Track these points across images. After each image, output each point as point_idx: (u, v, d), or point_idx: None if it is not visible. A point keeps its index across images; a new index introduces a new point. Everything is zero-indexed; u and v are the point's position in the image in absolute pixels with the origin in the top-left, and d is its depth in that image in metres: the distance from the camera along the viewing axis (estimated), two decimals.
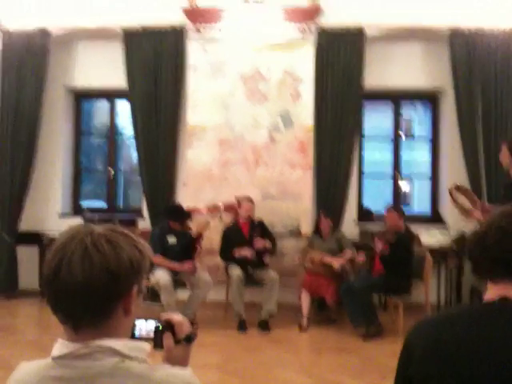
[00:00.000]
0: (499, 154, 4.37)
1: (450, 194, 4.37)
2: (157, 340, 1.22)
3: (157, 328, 1.22)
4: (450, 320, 1.20)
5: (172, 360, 1.18)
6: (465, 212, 4.31)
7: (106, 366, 1.00)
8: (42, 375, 1.03)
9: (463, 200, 4.37)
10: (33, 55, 6.23)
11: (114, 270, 1.01)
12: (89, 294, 1.00)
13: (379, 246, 4.93)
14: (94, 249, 1.01)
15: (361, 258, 5.22)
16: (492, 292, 1.22)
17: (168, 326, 1.22)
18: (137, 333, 1.21)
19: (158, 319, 1.23)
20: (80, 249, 1.01)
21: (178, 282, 5.14)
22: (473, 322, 1.16)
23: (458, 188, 4.34)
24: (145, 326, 1.22)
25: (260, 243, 5.33)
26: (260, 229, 5.45)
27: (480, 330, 1.14)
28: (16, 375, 1.07)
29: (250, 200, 5.48)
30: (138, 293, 1.08)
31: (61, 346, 1.04)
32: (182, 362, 1.20)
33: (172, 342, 1.21)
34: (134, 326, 1.20)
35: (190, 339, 1.23)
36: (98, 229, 1.06)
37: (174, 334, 1.22)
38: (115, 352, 1.02)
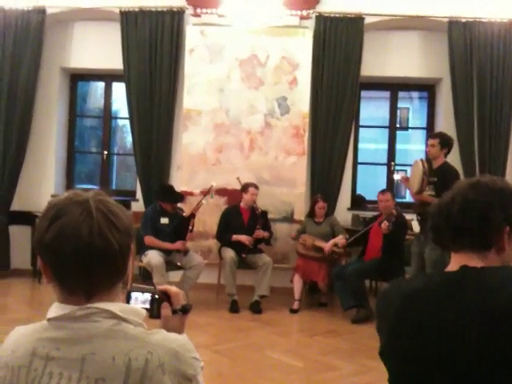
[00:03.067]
0: (429, 146, 4.56)
1: (422, 163, 4.40)
2: (153, 310, 1.23)
3: (153, 298, 1.23)
4: (417, 294, 1.22)
5: (168, 329, 1.18)
6: (417, 184, 4.35)
7: (101, 328, 1.01)
8: (37, 337, 1.03)
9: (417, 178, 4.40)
10: (28, 34, 6.17)
11: (131, 232, 1.07)
12: (122, 258, 1.05)
13: (386, 224, 4.88)
14: (112, 215, 1.04)
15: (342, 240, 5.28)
16: (454, 262, 1.25)
17: (165, 297, 1.25)
18: (132, 303, 1.23)
19: (154, 291, 1.25)
20: (102, 217, 1.02)
21: (169, 263, 5.16)
22: (438, 295, 1.18)
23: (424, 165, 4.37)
24: (141, 297, 1.24)
25: (261, 234, 5.39)
26: (263, 220, 5.48)
27: (445, 302, 1.16)
28: (11, 338, 1.07)
29: (256, 186, 5.49)
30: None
31: (57, 309, 1.05)
32: (178, 331, 1.20)
33: (170, 311, 1.22)
34: (130, 296, 1.22)
35: (186, 310, 1.25)
36: (94, 195, 1.07)
37: (170, 304, 1.24)
38: (112, 314, 1.03)
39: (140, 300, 1.24)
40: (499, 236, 1.21)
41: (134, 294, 1.23)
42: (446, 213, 1.25)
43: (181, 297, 1.26)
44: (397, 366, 1.20)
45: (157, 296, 1.24)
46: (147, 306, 1.23)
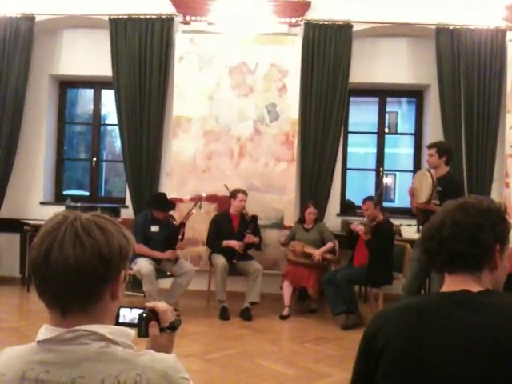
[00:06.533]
0: (428, 156, 4.61)
1: (430, 173, 4.42)
2: (141, 328, 1.22)
3: (141, 316, 1.23)
4: (413, 312, 1.22)
5: (157, 348, 1.18)
6: (427, 194, 4.36)
7: (90, 351, 1.01)
8: (27, 359, 1.03)
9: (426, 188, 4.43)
10: (17, 41, 6.14)
11: (105, 254, 1.03)
12: (80, 277, 1.01)
13: (358, 227, 4.97)
14: (84, 233, 1.02)
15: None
16: (450, 284, 1.25)
17: (153, 314, 1.24)
18: (121, 320, 1.22)
19: (142, 308, 1.25)
20: (71, 233, 1.02)
21: (159, 271, 5.15)
22: (436, 314, 1.18)
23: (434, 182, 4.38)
24: (129, 314, 1.23)
25: (251, 239, 5.40)
26: (253, 225, 5.50)
27: (443, 322, 1.16)
28: (0, 360, 1.07)
29: (245, 192, 5.51)
30: (124, 278, 1.11)
31: (46, 331, 1.04)
32: (167, 349, 1.21)
33: (157, 330, 1.22)
34: (118, 313, 1.21)
35: (174, 327, 1.25)
36: (86, 215, 1.08)
37: (158, 322, 1.23)
38: (100, 337, 1.03)
39: (128, 318, 1.23)
40: (492, 255, 1.23)
41: (122, 311, 1.23)
42: (438, 237, 1.25)
43: (169, 314, 1.26)
44: None
45: (144, 314, 1.24)
46: (135, 322, 1.23)
